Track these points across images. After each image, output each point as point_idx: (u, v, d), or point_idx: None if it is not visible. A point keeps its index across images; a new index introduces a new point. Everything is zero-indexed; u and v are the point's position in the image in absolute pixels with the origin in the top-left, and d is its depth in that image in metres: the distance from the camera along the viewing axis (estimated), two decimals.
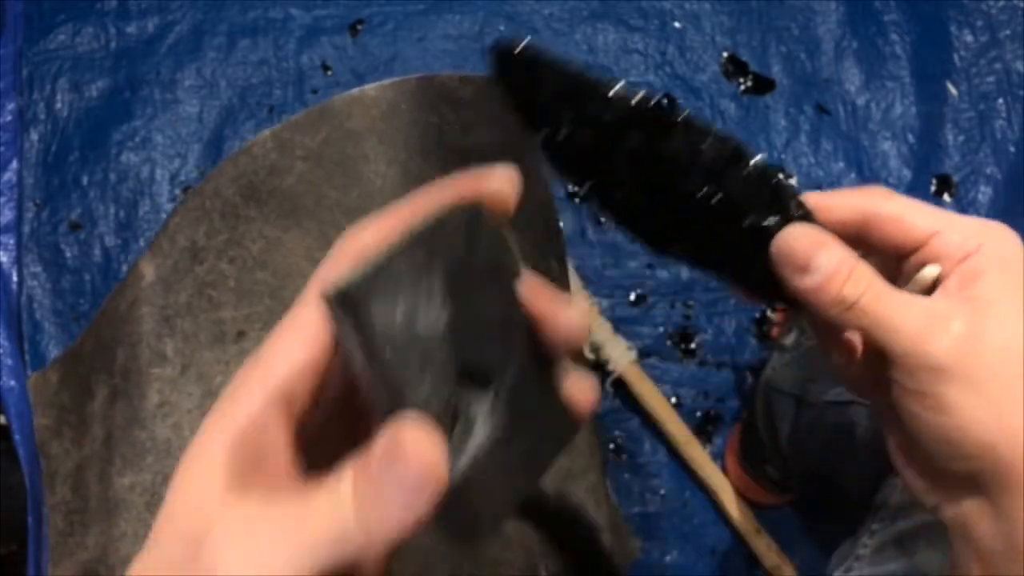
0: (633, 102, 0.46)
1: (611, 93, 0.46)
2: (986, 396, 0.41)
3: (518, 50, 0.46)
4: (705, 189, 0.46)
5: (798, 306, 0.47)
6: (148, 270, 0.72)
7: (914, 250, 0.47)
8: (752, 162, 0.46)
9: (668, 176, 0.47)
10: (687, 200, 0.47)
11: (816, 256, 0.44)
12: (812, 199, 0.47)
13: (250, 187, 0.71)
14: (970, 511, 0.44)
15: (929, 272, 0.46)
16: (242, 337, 0.69)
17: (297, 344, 0.37)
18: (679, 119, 0.46)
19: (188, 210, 0.72)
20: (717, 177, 0.46)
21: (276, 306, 0.70)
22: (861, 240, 0.47)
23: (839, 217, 0.47)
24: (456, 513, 0.37)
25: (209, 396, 0.68)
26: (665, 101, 0.45)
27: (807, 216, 0.47)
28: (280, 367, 0.37)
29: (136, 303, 0.72)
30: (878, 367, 0.46)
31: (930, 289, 0.46)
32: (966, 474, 0.43)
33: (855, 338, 0.50)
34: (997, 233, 0.46)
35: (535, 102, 0.46)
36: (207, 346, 0.69)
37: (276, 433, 0.37)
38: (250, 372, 0.37)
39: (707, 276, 0.51)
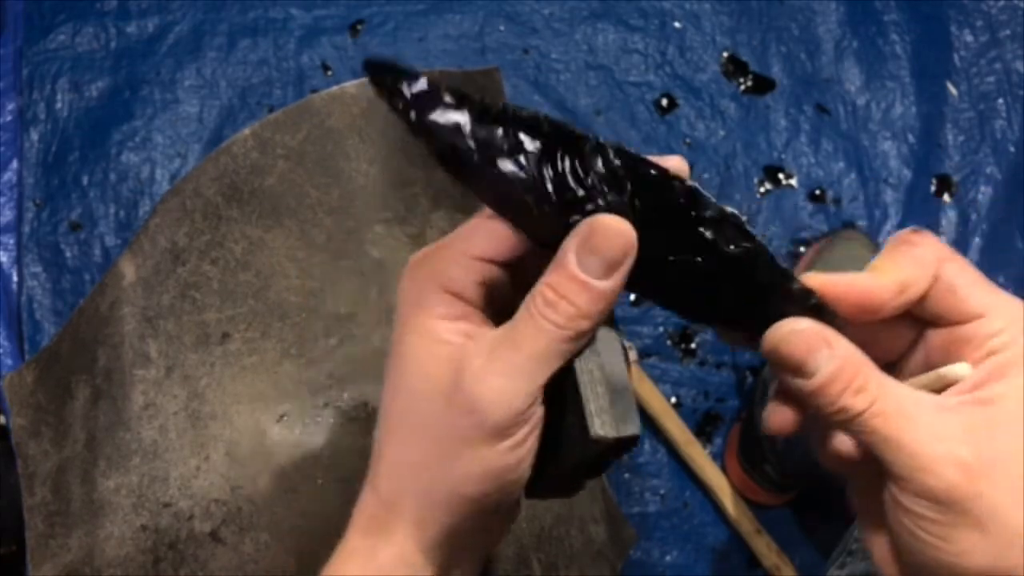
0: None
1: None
2: (991, 537, 0.38)
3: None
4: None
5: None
6: (128, 270, 0.71)
7: (961, 322, 0.41)
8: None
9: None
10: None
11: (813, 358, 0.39)
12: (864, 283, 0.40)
13: (232, 187, 0.71)
14: None
15: (959, 371, 0.41)
16: (227, 339, 0.69)
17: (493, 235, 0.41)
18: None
19: (168, 210, 0.72)
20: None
21: (260, 307, 0.70)
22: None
23: (879, 286, 0.41)
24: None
25: (195, 398, 0.68)
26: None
27: (815, 306, 0.40)
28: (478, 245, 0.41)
29: (117, 303, 0.71)
30: (873, 471, 0.41)
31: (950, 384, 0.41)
32: None
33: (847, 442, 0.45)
34: None
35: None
36: (191, 348, 0.69)
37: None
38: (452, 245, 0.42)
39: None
